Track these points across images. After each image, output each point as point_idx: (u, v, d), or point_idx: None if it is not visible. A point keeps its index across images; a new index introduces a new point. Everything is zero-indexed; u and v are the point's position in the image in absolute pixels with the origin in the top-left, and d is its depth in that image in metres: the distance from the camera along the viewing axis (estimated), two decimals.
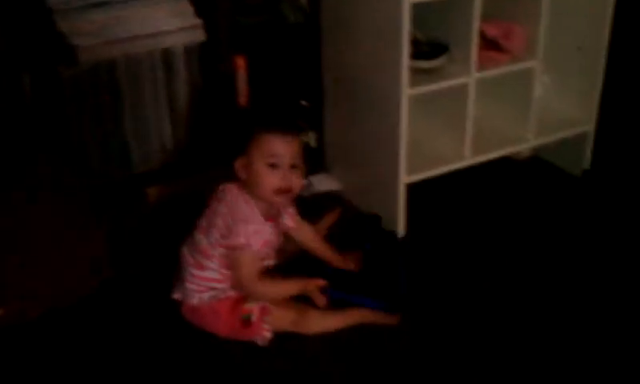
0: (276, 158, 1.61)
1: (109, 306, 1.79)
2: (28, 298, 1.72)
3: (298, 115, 2.34)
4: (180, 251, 1.72)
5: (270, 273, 1.70)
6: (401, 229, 2.05)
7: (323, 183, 2.30)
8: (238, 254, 1.61)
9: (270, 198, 1.64)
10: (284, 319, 1.67)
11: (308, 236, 1.84)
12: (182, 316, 1.72)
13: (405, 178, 1.98)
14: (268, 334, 1.66)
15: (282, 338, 1.67)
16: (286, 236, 1.80)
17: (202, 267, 1.66)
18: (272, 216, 1.69)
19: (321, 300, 1.72)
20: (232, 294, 1.67)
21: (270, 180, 1.61)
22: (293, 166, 1.63)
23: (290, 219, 1.78)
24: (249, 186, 1.64)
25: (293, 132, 1.65)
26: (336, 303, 1.74)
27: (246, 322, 1.65)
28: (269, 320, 1.65)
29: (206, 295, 1.67)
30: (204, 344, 1.67)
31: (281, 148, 1.61)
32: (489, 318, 1.77)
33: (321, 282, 1.69)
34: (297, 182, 1.65)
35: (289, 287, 1.69)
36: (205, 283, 1.67)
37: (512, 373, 1.61)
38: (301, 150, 1.66)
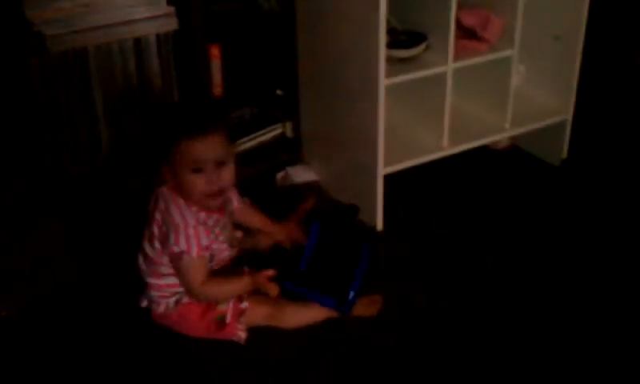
0: (198, 162, 1.51)
1: (82, 304, 1.76)
2: None
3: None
4: (137, 261, 1.66)
5: (220, 271, 1.63)
6: (379, 220, 2.03)
7: (300, 174, 2.28)
8: (178, 262, 1.55)
9: (203, 203, 1.56)
10: (259, 315, 1.64)
11: (249, 213, 1.77)
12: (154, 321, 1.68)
13: (383, 169, 1.96)
14: (243, 334, 1.63)
15: (260, 334, 1.65)
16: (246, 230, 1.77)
17: (158, 275, 1.61)
18: (216, 209, 1.61)
19: (273, 289, 1.59)
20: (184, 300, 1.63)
21: (198, 186, 1.53)
22: (219, 164, 1.54)
23: (235, 200, 1.72)
24: (180, 191, 1.57)
25: (210, 130, 1.53)
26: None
27: (220, 323, 1.62)
28: (243, 319, 1.63)
29: (171, 301, 1.62)
30: (177, 343, 1.65)
31: (201, 151, 1.51)
32: (471, 309, 1.76)
33: (269, 273, 1.59)
34: (226, 178, 1.56)
35: (238, 286, 1.61)
36: (167, 290, 1.62)
37: (495, 364, 1.61)
38: (226, 143, 1.56)
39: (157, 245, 1.58)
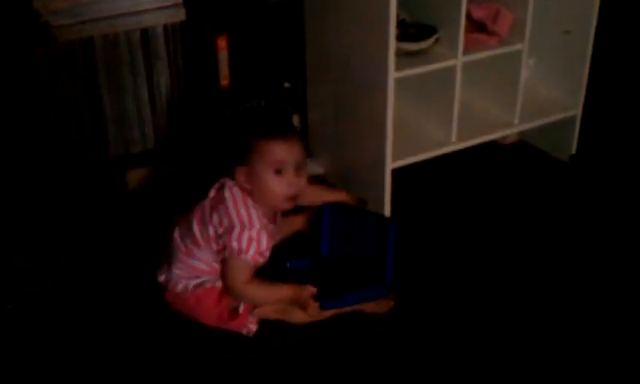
0: (281, 163, 1.56)
1: (92, 291, 1.76)
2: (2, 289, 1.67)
3: (283, 100, 2.30)
4: (171, 235, 1.66)
5: (260, 277, 1.63)
6: (387, 214, 2.01)
7: (307, 167, 2.26)
8: (230, 258, 1.56)
9: (279, 205, 1.61)
10: (272, 309, 1.64)
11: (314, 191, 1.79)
12: (166, 302, 1.67)
13: (391, 164, 1.95)
14: (253, 327, 1.63)
15: (268, 328, 1.64)
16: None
17: (192, 256, 1.62)
18: (272, 218, 1.65)
19: (313, 308, 1.61)
20: (219, 284, 1.63)
21: (279, 187, 1.57)
22: (298, 168, 1.59)
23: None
24: (254, 193, 1.59)
25: (293, 133, 1.63)
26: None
27: (234, 312, 1.61)
28: (256, 312, 1.62)
29: (192, 282, 1.63)
30: (187, 332, 1.64)
31: (284, 153, 1.56)
32: (477, 304, 1.75)
33: (314, 290, 1.61)
34: (303, 183, 1.62)
35: (279, 294, 1.62)
36: (192, 272, 1.63)
37: (502, 362, 1.59)
38: (304, 150, 1.63)
39: (210, 232, 1.58)
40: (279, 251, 1.72)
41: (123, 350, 1.61)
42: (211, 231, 1.59)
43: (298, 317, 1.65)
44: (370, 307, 1.70)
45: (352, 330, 1.66)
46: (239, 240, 1.54)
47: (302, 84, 2.29)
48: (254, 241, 1.55)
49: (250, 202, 1.58)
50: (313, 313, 1.61)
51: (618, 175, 2.27)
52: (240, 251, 1.54)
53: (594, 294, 1.78)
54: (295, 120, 2.38)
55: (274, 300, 1.62)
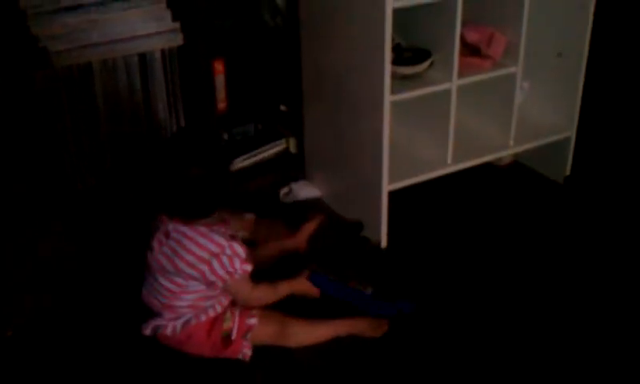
0: None
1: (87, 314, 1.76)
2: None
3: (279, 123, 2.31)
4: (142, 296, 1.65)
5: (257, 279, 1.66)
6: (383, 236, 2.02)
7: (303, 190, 2.27)
8: (228, 284, 1.57)
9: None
10: (266, 334, 1.64)
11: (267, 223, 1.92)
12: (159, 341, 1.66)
13: (387, 186, 1.96)
14: (248, 351, 1.63)
15: (264, 353, 1.64)
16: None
17: (172, 308, 1.60)
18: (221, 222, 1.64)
19: (314, 291, 1.73)
20: (204, 317, 1.62)
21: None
22: None
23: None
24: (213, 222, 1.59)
25: None
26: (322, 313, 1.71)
27: (226, 340, 1.61)
28: (249, 336, 1.62)
29: (178, 323, 1.61)
30: (184, 361, 1.64)
31: None
32: (474, 325, 1.75)
33: (306, 273, 1.72)
34: None
35: (281, 290, 1.69)
36: (177, 313, 1.61)
37: (498, 380, 1.60)
38: None
39: (190, 282, 1.56)
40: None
41: (123, 376, 1.60)
42: (192, 281, 1.57)
43: (295, 340, 1.65)
44: (365, 331, 1.70)
45: (348, 353, 1.66)
46: (223, 267, 1.54)
47: (298, 108, 2.31)
48: (233, 257, 1.55)
49: (203, 229, 1.55)
50: (316, 294, 1.72)
51: (612, 196, 2.29)
52: (231, 274, 1.56)
53: (589, 314, 1.79)
54: (291, 143, 2.41)
55: (279, 297, 1.69)
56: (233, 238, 1.58)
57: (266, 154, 2.38)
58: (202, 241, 1.54)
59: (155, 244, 1.58)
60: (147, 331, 1.64)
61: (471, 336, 1.72)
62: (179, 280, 1.57)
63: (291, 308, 1.70)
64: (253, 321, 1.62)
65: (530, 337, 1.72)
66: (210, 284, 1.56)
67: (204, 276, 1.54)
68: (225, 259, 1.54)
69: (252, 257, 1.65)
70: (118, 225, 2.05)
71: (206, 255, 1.54)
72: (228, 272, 1.55)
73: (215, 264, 1.54)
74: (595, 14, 2.14)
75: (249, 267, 1.58)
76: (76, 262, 1.89)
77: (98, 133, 2.11)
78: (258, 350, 1.64)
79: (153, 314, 1.64)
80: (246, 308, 1.65)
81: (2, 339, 1.67)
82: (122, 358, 1.65)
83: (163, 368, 1.63)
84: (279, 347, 1.65)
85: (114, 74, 2.06)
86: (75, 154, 2.09)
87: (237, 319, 1.62)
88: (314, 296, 1.74)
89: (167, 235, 1.57)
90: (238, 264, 1.56)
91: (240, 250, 1.56)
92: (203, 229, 1.56)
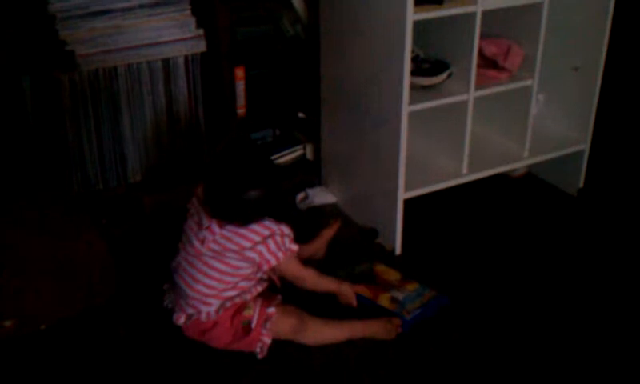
0: None
1: (113, 317, 1.79)
2: (36, 311, 1.71)
3: (297, 129, 2.35)
4: (181, 283, 1.68)
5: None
6: (398, 243, 2.05)
7: (319, 196, 2.31)
8: (281, 264, 1.66)
9: None
10: (284, 326, 1.68)
11: None
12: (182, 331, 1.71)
13: (403, 194, 1.99)
14: (267, 340, 1.66)
15: (281, 349, 1.68)
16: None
17: (218, 294, 1.66)
18: None
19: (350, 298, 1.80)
20: (237, 300, 1.67)
21: None
22: None
23: None
24: None
25: None
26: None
27: (246, 328, 1.66)
28: (268, 326, 1.66)
29: (212, 309, 1.66)
30: (204, 358, 1.67)
31: None
32: (486, 332, 1.78)
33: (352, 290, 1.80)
34: None
35: (328, 284, 1.78)
36: (221, 300, 1.66)
37: None
38: None
39: (234, 261, 1.64)
40: None
41: (143, 376, 1.64)
42: (246, 271, 1.66)
43: (312, 338, 1.69)
44: (379, 334, 1.74)
45: (361, 354, 1.69)
46: (277, 246, 1.64)
47: (315, 115, 2.34)
48: (284, 237, 1.65)
49: (236, 226, 1.64)
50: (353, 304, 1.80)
51: (625, 209, 2.31)
52: (284, 252, 1.65)
53: (602, 327, 1.81)
54: (309, 150, 2.45)
55: (324, 288, 1.78)
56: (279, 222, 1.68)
57: (283, 160, 2.42)
58: (256, 227, 1.64)
59: (207, 234, 1.63)
60: (181, 320, 1.68)
61: (484, 343, 1.74)
62: (235, 263, 1.64)
63: (307, 307, 1.73)
64: (272, 310, 1.67)
65: (544, 347, 1.74)
66: (263, 264, 1.64)
67: (261, 256, 1.63)
68: (278, 239, 1.64)
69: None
70: (144, 225, 2.09)
71: (259, 238, 1.63)
72: (281, 250, 1.64)
73: (271, 244, 1.63)
74: (612, 29, 2.17)
75: (296, 246, 1.68)
76: (107, 261, 1.92)
77: (121, 135, 2.15)
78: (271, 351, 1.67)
79: (181, 305, 1.68)
80: (268, 299, 1.70)
81: (35, 333, 1.71)
82: (149, 354, 1.69)
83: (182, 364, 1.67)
84: (294, 345, 1.69)
85: (138, 79, 2.11)
86: (97, 154, 2.14)
87: (257, 308, 1.67)
88: (352, 304, 1.80)
89: (221, 225, 1.64)
90: (288, 243, 1.66)
91: (288, 230, 1.67)
92: (236, 224, 1.64)
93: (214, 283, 1.65)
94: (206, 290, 1.65)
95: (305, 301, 1.74)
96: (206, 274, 1.65)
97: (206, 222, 1.64)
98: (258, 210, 1.63)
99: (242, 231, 1.63)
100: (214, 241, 1.63)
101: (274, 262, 1.65)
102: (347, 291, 1.79)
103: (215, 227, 1.63)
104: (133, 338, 1.73)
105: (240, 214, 1.62)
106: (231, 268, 1.64)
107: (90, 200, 2.12)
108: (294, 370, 1.66)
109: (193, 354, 1.68)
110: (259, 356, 1.66)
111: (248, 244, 1.62)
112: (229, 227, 1.63)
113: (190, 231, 1.68)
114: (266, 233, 1.64)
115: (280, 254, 1.65)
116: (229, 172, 1.62)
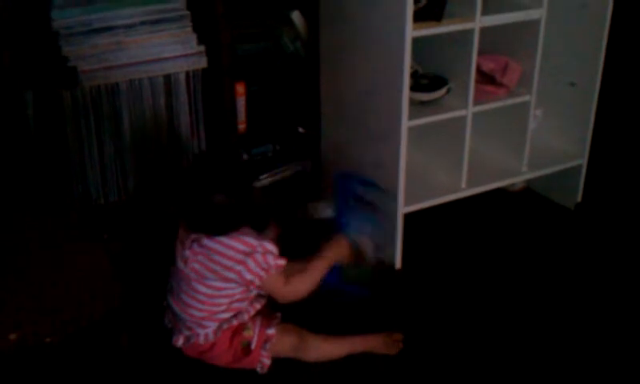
0: None
1: (115, 331, 1.79)
2: (39, 324, 1.72)
3: (297, 145, 2.36)
4: (175, 307, 1.68)
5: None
6: (398, 258, 2.07)
7: (320, 210, 2.32)
8: (265, 282, 1.62)
9: None
10: (285, 345, 1.68)
11: None
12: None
13: (403, 208, 2.01)
14: (267, 361, 1.67)
15: (281, 366, 1.68)
16: None
17: (210, 314, 1.64)
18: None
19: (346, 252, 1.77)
20: (234, 322, 1.67)
21: None
22: None
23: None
24: None
25: None
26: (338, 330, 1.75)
27: (246, 349, 1.66)
28: (268, 347, 1.66)
29: (210, 330, 1.65)
30: (206, 372, 1.68)
31: None
32: (485, 347, 1.78)
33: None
34: None
35: (318, 267, 1.71)
36: (216, 321, 1.65)
37: None
38: None
39: (218, 283, 1.61)
40: None
41: None
42: (230, 286, 1.62)
43: (313, 354, 1.70)
44: (381, 349, 1.74)
45: (363, 369, 1.70)
46: (258, 265, 1.59)
47: (316, 130, 2.36)
48: (267, 253, 1.60)
49: (232, 233, 1.61)
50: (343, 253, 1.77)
51: (623, 224, 2.32)
52: (267, 270, 1.60)
53: (601, 341, 1.82)
54: (309, 164, 2.46)
55: (319, 275, 1.70)
56: (262, 237, 1.63)
57: (283, 174, 2.43)
58: (234, 243, 1.59)
59: (188, 253, 1.62)
60: (179, 342, 1.68)
61: (483, 358, 1.75)
62: (217, 284, 1.61)
63: (307, 323, 1.73)
64: (272, 331, 1.67)
65: (543, 360, 1.75)
66: (247, 284, 1.61)
67: (241, 276, 1.59)
68: (259, 257, 1.59)
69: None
70: (144, 239, 2.10)
71: (240, 256, 1.59)
72: (264, 269, 1.59)
73: (250, 263, 1.58)
74: (608, 44, 2.19)
75: (282, 262, 1.63)
76: (108, 275, 1.93)
77: (123, 151, 2.17)
78: (273, 366, 1.68)
79: (179, 327, 1.68)
80: (265, 318, 1.69)
81: (40, 346, 1.72)
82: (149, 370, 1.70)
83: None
84: (295, 362, 1.69)
85: (139, 94, 2.13)
86: (100, 170, 2.15)
87: (257, 329, 1.67)
88: (347, 258, 1.77)
89: (200, 243, 1.61)
90: (271, 260, 1.60)
91: (271, 246, 1.61)
92: (233, 233, 1.61)
93: (204, 307, 1.64)
94: (198, 314, 1.64)
95: (304, 317, 1.74)
96: (193, 298, 1.64)
97: (188, 241, 1.62)
98: (227, 215, 1.58)
99: (221, 248, 1.59)
100: (195, 260, 1.60)
101: (257, 282, 1.61)
102: (333, 252, 1.74)
103: (195, 246, 1.61)
104: (134, 351, 1.74)
105: (211, 221, 1.58)
106: (214, 289, 1.62)
107: (91, 214, 2.13)
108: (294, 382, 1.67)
109: (194, 369, 1.69)
110: (260, 373, 1.67)
111: (228, 262, 1.58)
112: (207, 243, 1.60)
113: (176, 252, 1.67)
114: (246, 249, 1.58)
115: (262, 273, 1.60)
116: (195, 178, 1.62)
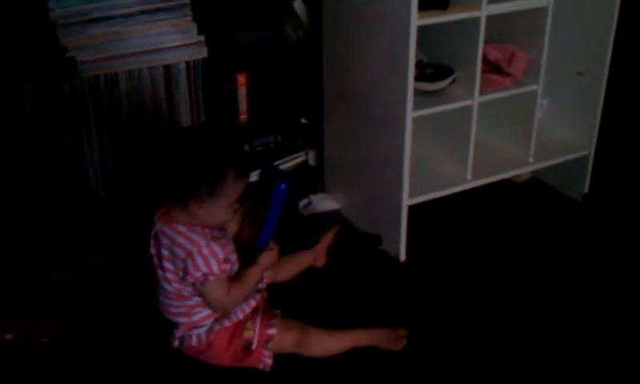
0: (239, 198, 1.56)
1: (114, 329, 1.76)
2: (37, 323, 1.69)
3: (299, 135, 2.31)
4: (159, 305, 1.64)
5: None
6: (402, 250, 2.04)
7: (322, 202, 2.30)
8: (204, 285, 1.53)
9: (215, 228, 1.58)
10: (287, 341, 1.65)
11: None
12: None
13: (407, 200, 1.98)
14: (269, 360, 1.64)
15: (284, 362, 1.66)
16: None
17: (189, 313, 1.60)
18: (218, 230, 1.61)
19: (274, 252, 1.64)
20: (227, 323, 1.62)
21: (226, 217, 1.57)
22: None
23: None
24: (194, 218, 1.53)
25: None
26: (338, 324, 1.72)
27: (247, 349, 1.63)
28: (270, 346, 1.63)
29: (202, 331, 1.61)
30: (208, 372, 1.65)
31: (244, 189, 1.56)
32: (491, 339, 1.76)
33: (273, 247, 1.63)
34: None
35: (251, 277, 1.60)
36: (199, 323, 1.61)
37: None
38: None
39: (174, 284, 1.57)
40: None
41: None
42: (175, 280, 1.56)
43: (315, 350, 1.67)
44: (385, 343, 1.72)
45: (368, 364, 1.68)
46: (197, 267, 1.50)
47: (318, 120, 2.33)
48: (209, 256, 1.51)
49: (182, 228, 1.53)
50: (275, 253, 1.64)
51: (630, 214, 2.29)
52: (206, 274, 1.51)
53: (607, 333, 1.79)
54: (311, 156, 2.43)
55: (252, 285, 1.61)
56: (215, 239, 1.54)
57: (285, 166, 2.40)
58: (179, 239, 1.52)
59: (153, 251, 1.59)
60: (175, 343, 1.64)
61: (489, 350, 1.73)
62: (177, 284, 1.56)
63: (310, 318, 1.71)
64: (273, 330, 1.64)
65: (549, 351, 1.73)
66: (193, 285, 1.54)
67: (186, 271, 1.51)
68: (199, 259, 1.50)
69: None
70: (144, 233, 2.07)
71: (182, 254, 1.51)
72: (203, 273, 1.51)
73: (189, 264, 1.50)
74: (616, 34, 2.15)
75: (227, 267, 1.55)
76: (108, 271, 1.90)
77: (123, 141, 2.14)
78: (276, 361, 1.65)
79: (173, 329, 1.64)
80: (266, 316, 1.66)
81: (36, 346, 1.69)
82: (149, 370, 1.67)
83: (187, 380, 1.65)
84: (299, 358, 1.66)
85: (139, 85, 2.09)
86: (99, 160, 2.12)
87: (257, 329, 1.63)
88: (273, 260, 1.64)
89: (156, 237, 1.57)
90: (214, 265, 1.51)
91: (218, 249, 1.51)
92: (182, 228, 1.53)
93: (180, 310, 1.59)
94: (175, 311, 1.60)
95: (306, 311, 1.72)
96: (166, 297, 1.59)
97: (152, 239, 1.58)
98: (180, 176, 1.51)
99: (176, 237, 1.52)
100: (158, 254, 1.56)
101: (198, 286, 1.52)
102: (268, 258, 1.62)
103: (159, 237, 1.56)
104: (134, 349, 1.71)
105: (170, 185, 1.52)
106: (177, 290, 1.56)
107: (90, 207, 2.10)
108: (297, 379, 1.64)
109: (195, 368, 1.66)
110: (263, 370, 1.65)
111: (180, 252, 1.51)
112: (165, 230, 1.54)
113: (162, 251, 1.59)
114: (190, 247, 1.50)
115: (201, 277, 1.50)
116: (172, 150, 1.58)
